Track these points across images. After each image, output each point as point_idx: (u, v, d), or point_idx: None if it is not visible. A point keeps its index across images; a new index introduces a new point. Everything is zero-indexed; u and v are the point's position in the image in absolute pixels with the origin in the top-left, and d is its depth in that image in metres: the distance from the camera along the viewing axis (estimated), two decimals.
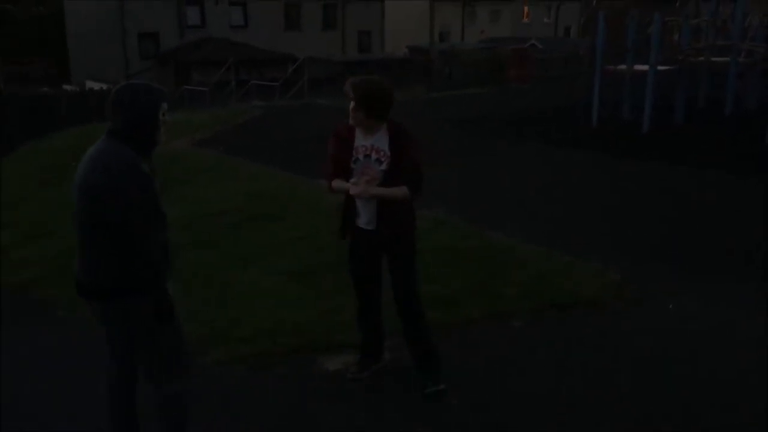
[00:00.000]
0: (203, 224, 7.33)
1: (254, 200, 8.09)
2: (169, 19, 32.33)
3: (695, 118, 12.77)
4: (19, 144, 14.03)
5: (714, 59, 13.66)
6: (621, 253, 6.18)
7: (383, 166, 3.63)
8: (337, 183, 3.77)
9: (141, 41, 32.00)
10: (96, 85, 27.52)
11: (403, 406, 3.83)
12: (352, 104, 3.58)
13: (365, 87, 3.57)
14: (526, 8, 47.48)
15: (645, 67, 12.56)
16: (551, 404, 3.83)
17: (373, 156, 3.66)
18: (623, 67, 13.36)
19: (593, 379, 4.09)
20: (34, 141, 14.02)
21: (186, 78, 29.39)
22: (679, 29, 14.38)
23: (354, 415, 3.77)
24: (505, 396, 3.92)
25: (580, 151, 10.90)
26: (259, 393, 4.01)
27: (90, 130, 13.02)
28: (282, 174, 9.48)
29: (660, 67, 12.54)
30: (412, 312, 3.86)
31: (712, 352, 4.39)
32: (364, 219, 3.76)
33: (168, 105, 2.90)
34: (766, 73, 13.24)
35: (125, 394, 3.16)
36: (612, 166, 9.95)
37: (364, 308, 4.02)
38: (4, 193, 10.16)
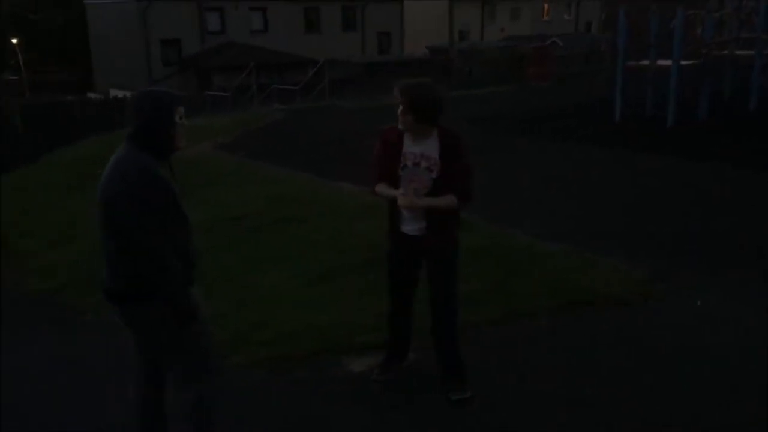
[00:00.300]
0: (225, 228, 7.38)
1: (275, 203, 8.13)
2: (190, 25, 32.62)
3: (719, 112, 12.59)
4: (43, 152, 14.23)
5: (738, 52, 13.47)
6: (642, 249, 6.11)
7: (433, 175, 3.56)
8: (381, 188, 3.69)
9: (163, 48, 32.33)
10: (120, 93, 27.87)
11: (426, 409, 3.82)
12: (400, 108, 3.53)
13: (414, 91, 3.51)
14: (546, 5, 47.19)
15: (668, 62, 12.41)
16: (568, 403, 3.80)
17: (423, 164, 3.58)
18: (646, 62, 13.22)
19: (611, 378, 4.05)
20: (58, 149, 14.22)
21: (208, 83, 29.64)
22: (702, 23, 14.20)
23: (376, 417, 3.77)
24: (523, 396, 3.90)
25: (603, 147, 10.81)
26: (280, 396, 4.03)
27: (114, 138, 13.19)
28: (303, 176, 9.51)
29: (683, 62, 12.39)
30: (449, 318, 3.83)
31: (734, 349, 4.33)
32: (410, 225, 3.69)
33: (185, 109, 2.95)
34: None
35: (152, 398, 3.19)
36: (635, 162, 9.85)
37: (397, 311, 3.99)
38: (28, 200, 10.33)
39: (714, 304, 4.98)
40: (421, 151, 3.58)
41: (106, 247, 2.91)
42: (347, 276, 5.73)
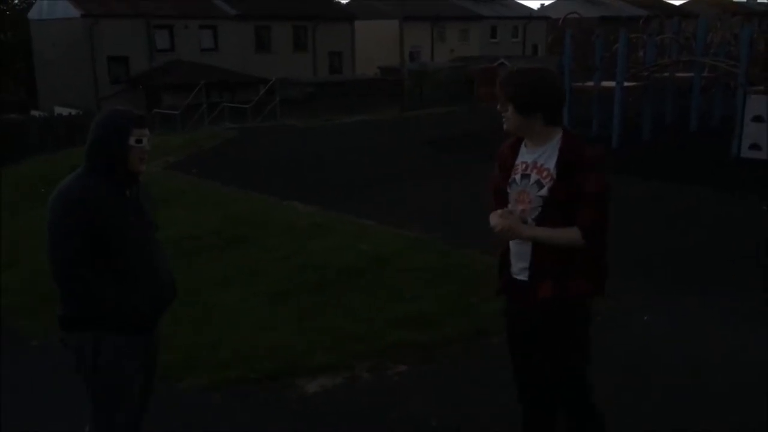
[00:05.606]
0: (179, 247, 7.24)
1: (230, 222, 8.05)
2: (138, 43, 32.21)
3: (662, 133, 13.01)
4: None
5: (678, 75, 13.96)
6: None
7: (543, 191, 2.62)
8: (491, 217, 2.71)
9: (111, 65, 31.82)
10: (65, 111, 27.25)
11: None
12: (499, 105, 2.70)
13: (519, 79, 2.65)
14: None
15: (612, 84, 12.77)
16: None
17: (533, 176, 2.66)
18: (590, 84, 13.58)
19: None
20: (2, 168, 13.80)
21: (157, 101, 29.25)
22: (644, 46, 14.67)
23: None
24: (487, 416, 3.92)
25: None
26: (234, 419, 3.96)
27: (58, 157, 12.87)
28: (257, 196, 9.45)
29: (626, 84, 12.76)
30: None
31: (684, 367, 4.45)
32: (516, 265, 2.76)
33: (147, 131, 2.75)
34: (728, 88, 13.55)
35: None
36: None
37: (530, 413, 2.87)
38: None
39: (663, 322, 5.09)
40: (534, 158, 2.69)
41: None
42: (301, 296, 5.70)
